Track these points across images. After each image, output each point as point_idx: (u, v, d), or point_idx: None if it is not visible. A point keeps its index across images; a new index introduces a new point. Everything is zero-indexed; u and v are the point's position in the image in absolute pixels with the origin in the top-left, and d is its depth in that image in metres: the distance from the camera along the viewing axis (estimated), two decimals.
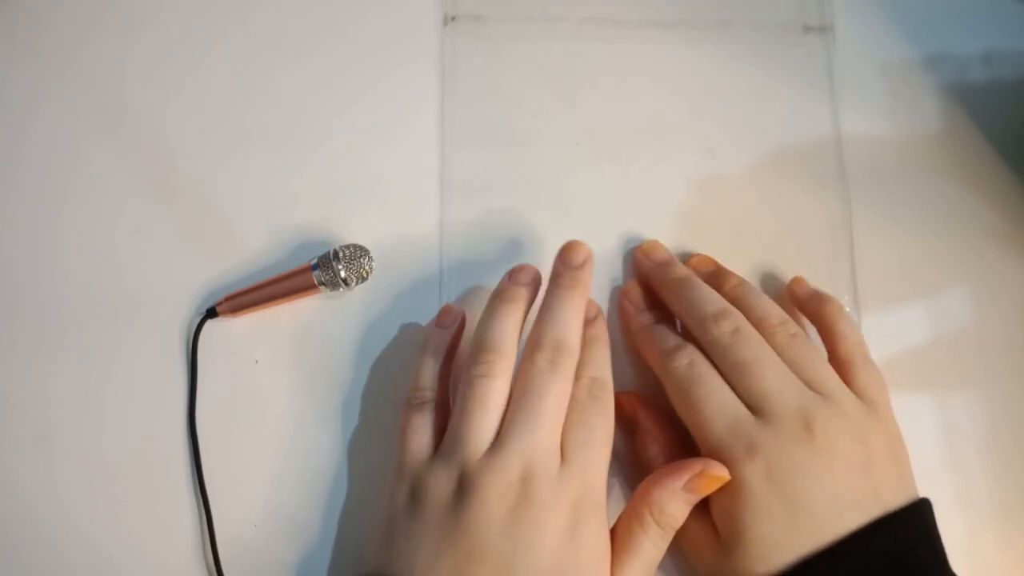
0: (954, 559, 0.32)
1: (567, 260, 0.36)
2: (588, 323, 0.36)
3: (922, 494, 0.33)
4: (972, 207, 0.42)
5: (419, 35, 0.42)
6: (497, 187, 0.41)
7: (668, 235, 0.40)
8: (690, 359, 0.34)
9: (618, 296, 0.39)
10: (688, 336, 0.36)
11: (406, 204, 0.40)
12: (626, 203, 0.41)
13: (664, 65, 0.43)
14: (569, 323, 0.34)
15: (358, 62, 0.42)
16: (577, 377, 0.34)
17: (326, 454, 0.37)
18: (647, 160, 0.41)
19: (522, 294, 0.35)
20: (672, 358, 0.35)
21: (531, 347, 0.34)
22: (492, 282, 0.39)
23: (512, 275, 0.36)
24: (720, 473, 0.32)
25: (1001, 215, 0.42)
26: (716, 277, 0.38)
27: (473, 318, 0.39)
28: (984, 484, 0.39)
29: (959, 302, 0.41)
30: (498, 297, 0.35)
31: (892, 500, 0.32)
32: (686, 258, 0.40)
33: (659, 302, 0.38)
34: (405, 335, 0.39)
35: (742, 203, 0.41)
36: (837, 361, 0.35)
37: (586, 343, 0.35)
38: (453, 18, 0.42)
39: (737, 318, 0.35)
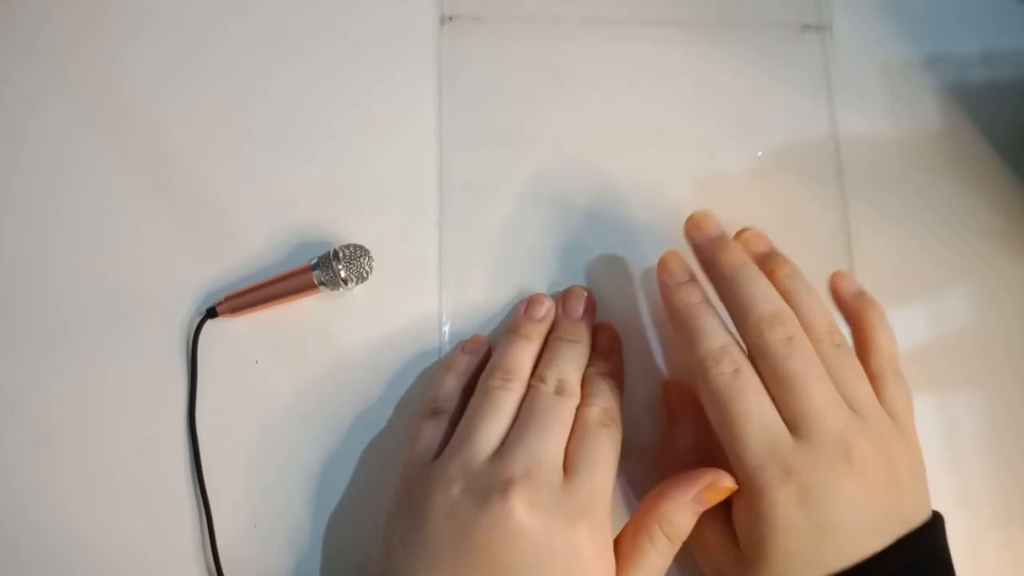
0: (954, 559, 0.32)
1: (568, 311, 0.37)
2: (604, 355, 0.37)
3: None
4: (972, 207, 0.42)
5: (417, 35, 0.42)
6: (496, 187, 0.41)
7: (668, 234, 0.40)
8: (735, 367, 0.32)
9: (656, 267, 0.37)
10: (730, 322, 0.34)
11: (406, 204, 0.40)
12: (626, 203, 0.41)
13: (662, 64, 0.43)
14: (570, 372, 0.35)
15: (357, 62, 0.42)
16: (588, 405, 0.34)
17: (326, 454, 0.37)
18: (646, 159, 0.41)
19: (536, 331, 0.36)
20: (717, 362, 0.32)
21: (536, 380, 0.34)
22: (491, 281, 0.39)
23: (528, 310, 0.37)
24: (729, 484, 0.31)
25: (1001, 215, 0.42)
26: (768, 261, 0.35)
27: (472, 316, 0.39)
28: (984, 484, 0.39)
29: (959, 302, 0.41)
30: (515, 332, 0.36)
31: (913, 518, 0.32)
32: (735, 233, 0.37)
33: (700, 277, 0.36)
34: (405, 334, 0.39)
35: (741, 202, 0.41)
36: (868, 371, 0.34)
37: (599, 378, 0.35)
38: (450, 18, 0.42)
39: (792, 324, 0.32)
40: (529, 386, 0.34)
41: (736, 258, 0.34)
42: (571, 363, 0.35)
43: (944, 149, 0.43)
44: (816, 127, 0.42)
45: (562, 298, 0.38)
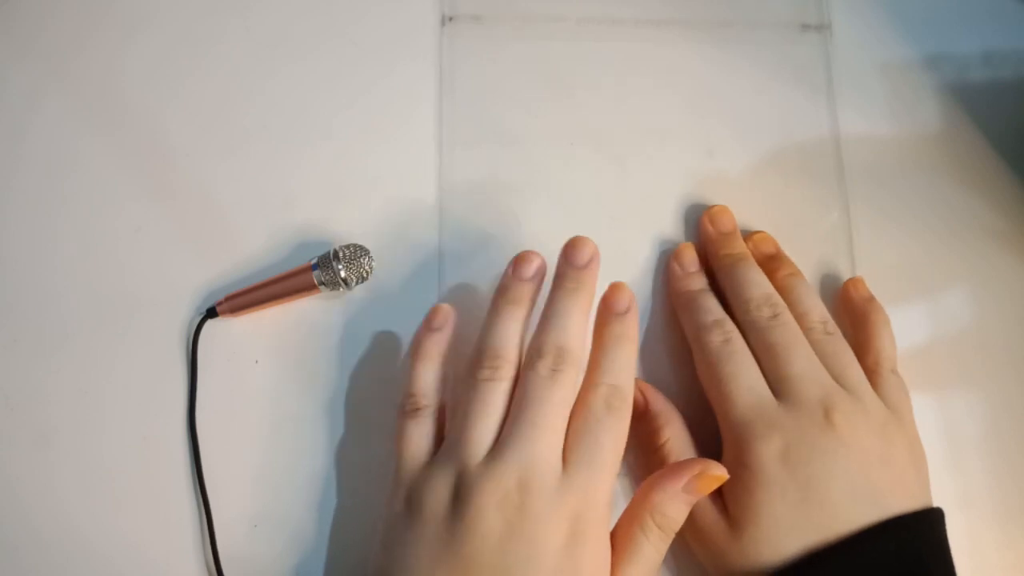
0: (954, 559, 0.32)
1: (571, 259, 0.34)
2: (618, 316, 0.33)
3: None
4: (972, 207, 0.42)
5: (417, 35, 0.42)
6: (495, 187, 0.41)
7: (667, 234, 0.40)
8: (726, 336, 0.35)
9: (668, 256, 0.40)
10: (729, 311, 0.37)
11: (405, 204, 0.40)
12: (625, 203, 0.41)
13: (662, 64, 0.43)
14: (571, 330, 0.33)
15: (357, 62, 0.42)
16: (595, 383, 0.32)
17: (326, 454, 0.37)
18: (646, 159, 0.41)
19: (525, 292, 0.34)
20: (709, 332, 0.35)
21: (532, 354, 0.32)
22: (491, 281, 0.39)
23: (516, 268, 0.34)
24: (719, 473, 0.32)
25: (1001, 215, 0.42)
26: (772, 261, 0.38)
27: (472, 315, 0.39)
28: (984, 484, 0.39)
29: (959, 302, 0.41)
30: (502, 297, 0.34)
31: (906, 503, 0.32)
32: (747, 234, 0.40)
33: (708, 268, 0.39)
34: (405, 335, 0.39)
35: (741, 202, 0.41)
36: (865, 366, 0.36)
37: (612, 342, 0.33)
38: (451, 18, 0.42)
39: (780, 306, 0.35)
40: (525, 365, 0.32)
41: (740, 252, 0.38)
42: (572, 319, 0.33)
43: (944, 149, 0.43)
44: (816, 127, 0.42)
45: (565, 247, 0.35)
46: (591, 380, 0.32)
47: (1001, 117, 0.43)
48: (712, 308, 0.36)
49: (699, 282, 0.38)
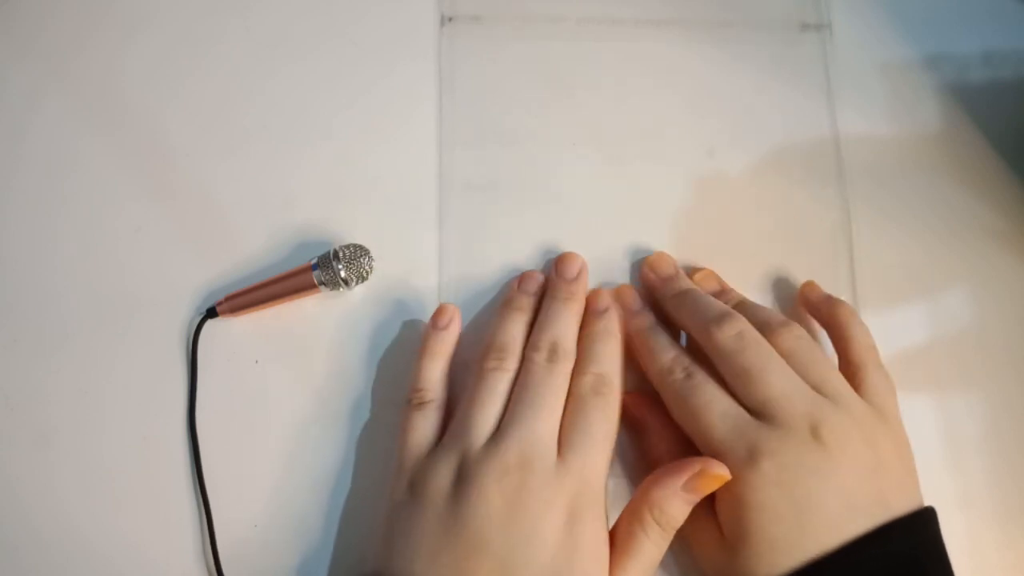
0: (954, 559, 0.32)
1: (562, 272, 0.38)
2: (598, 315, 0.37)
3: (923, 493, 0.33)
4: (972, 207, 0.42)
5: (417, 36, 0.42)
6: (495, 186, 0.41)
7: (667, 235, 0.40)
8: (687, 371, 0.34)
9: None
10: (693, 345, 0.36)
11: (405, 204, 0.40)
12: (624, 203, 0.41)
13: (662, 64, 0.43)
14: (564, 330, 0.36)
15: (357, 62, 0.42)
16: (582, 372, 0.35)
17: (327, 454, 0.37)
18: (645, 160, 0.41)
19: (529, 303, 0.37)
20: (669, 369, 0.35)
21: (530, 349, 0.35)
22: (491, 281, 0.39)
23: (520, 284, 0.38)
24: (720, 472, 0.32)
25: (1001, 215, 0.42)
26: (720, 296, 0.38)
27: (471, 315, 0.39)
28: (984, 484, 0.39)
29: (959, 302, 0.41)
30: (508, 306, 0.37)
31: (899, 505, 0.32)
32: (690, 272, 0.39)
33: (657, 308, 0.38)
34: (405, 334, 0.39)
35: (741, 203, 0.41)
36: (848, 365, 0.35)
37: (595, 337, 0.36)
38: (450, 19, 0.42)
39: (740, 322, 0.34)
40: (523, 359, 0.35)
41: (686, 284, 0.38)
42: (564, 323, 0.36)
43: (944, 149, 0.43)
44: (816, 127, 0.42)
45: (556, 262, 0.38)
46: (578, 370, 0.35)
47: (1001, 117, 0.43)
48: (666, 346, 0.36)
49: (647, 319, 0.37)
